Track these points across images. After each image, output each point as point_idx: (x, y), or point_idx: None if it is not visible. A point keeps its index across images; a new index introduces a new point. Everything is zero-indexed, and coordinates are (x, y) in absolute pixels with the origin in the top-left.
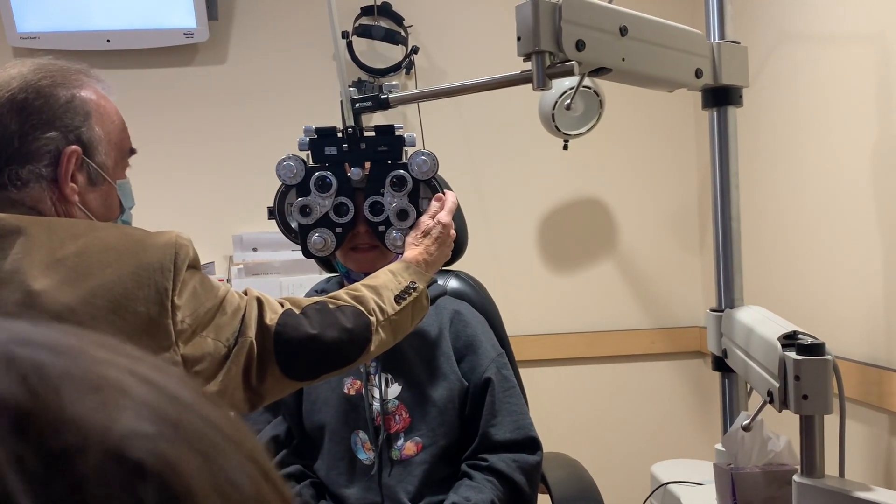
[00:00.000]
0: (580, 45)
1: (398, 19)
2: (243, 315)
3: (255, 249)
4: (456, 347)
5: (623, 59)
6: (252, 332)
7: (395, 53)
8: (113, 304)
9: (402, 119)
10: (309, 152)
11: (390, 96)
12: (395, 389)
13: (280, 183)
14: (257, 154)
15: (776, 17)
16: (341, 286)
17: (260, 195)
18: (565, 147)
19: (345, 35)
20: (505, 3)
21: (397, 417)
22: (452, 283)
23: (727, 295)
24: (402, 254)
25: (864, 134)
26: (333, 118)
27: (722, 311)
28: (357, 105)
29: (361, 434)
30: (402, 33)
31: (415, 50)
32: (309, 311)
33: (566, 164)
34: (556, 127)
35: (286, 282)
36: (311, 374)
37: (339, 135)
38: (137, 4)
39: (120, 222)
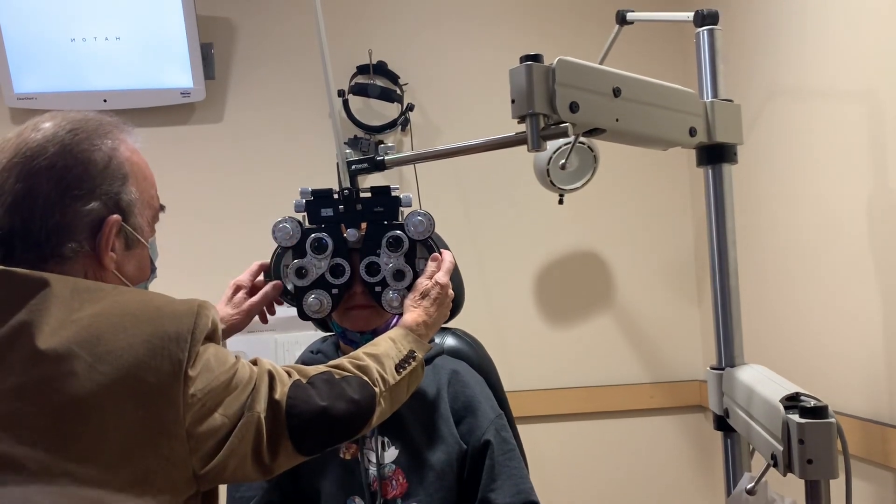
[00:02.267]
0: (574, 107)
1: (394, 77)
2: (252, 389)
3: None
4: (454, 409)
5: (617, 120)
6: (261, 407)
7: (390, 111)
8: (121, 372)
9: (397, 175)
10: (305, 214)
11: (386, 158)
12: (391, 453)
13: (276, 244)
14: (253, 211)
15: (768, 73)
16: (337, 346)
17: (255, 252)
18: (560, 202)
19: (341, 93)
20: (499, 61)
21: (394, 482)
22: (449, 342)
23: (727, 352)
24: (399, 314)
25: (859, 190)
26: (330, 175)
27: (722, 369)
28: (353, 167)
29: (358, 500)
30: (398, 91)
31: (410, 107)
32: (316, 381)
33: (562, 217)
34: (551, 182)
35: (282, 339)
36: (320, 447)
37: (335, 196)
38: (134, 65)
39: (151, 280)
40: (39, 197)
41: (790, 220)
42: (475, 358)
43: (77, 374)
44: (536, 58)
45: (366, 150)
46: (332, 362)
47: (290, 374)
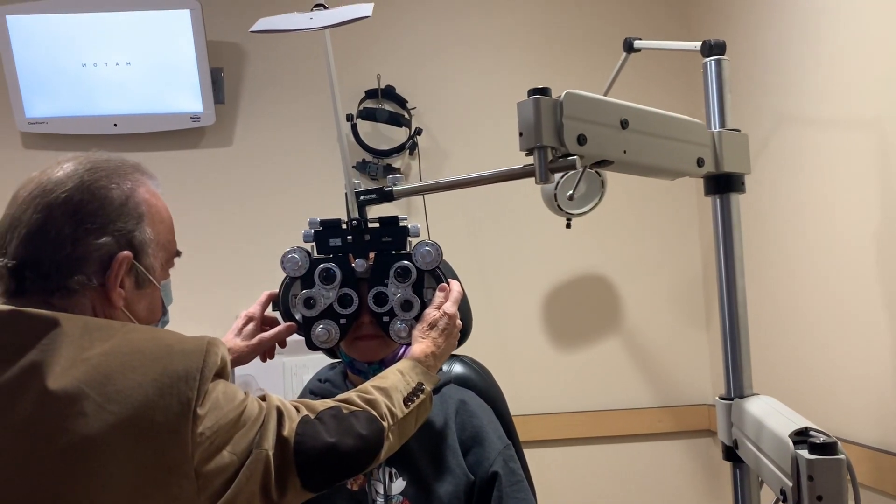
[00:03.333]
0: (582, 140)
1: (402, 101)
2: (261, 425)
3: None
4: (461, 439)
5: (624, 152)
6: (269, 444)
7: (398, 134)
8: (130, 412)
9: (405, 200)
10: (313, 244)
11: (394, 189)
12: (399, 484)
13: (285, 274)
14: (261, 234)
15: (774, 100)
16: (345, 374)
17: (263, 275)
18: (568, 226)
19: (349, 118)
20: (507, 86)
21: None
22: (457, 369)
23: (736, 382)
24: (407, 344)
25: (867, 218)
26: (338, 199)
27: (731, 399)
28: (361, 197)
29: None
30: (406, 115)
31: (418, 131)
32: (325, 416)
33: (569, 241)
34: (558, 207)
35: (289, 362)
36: (328, 483)
37: (344, 226)
38: (144, 89)
39: (161, 323)
40: (52, 229)
41: (798, 248)
42: (483, 386)
43: (86, 413)
44: (544, 91)
45: (374, 174)
46: (340, 396)
47: (298, 410)
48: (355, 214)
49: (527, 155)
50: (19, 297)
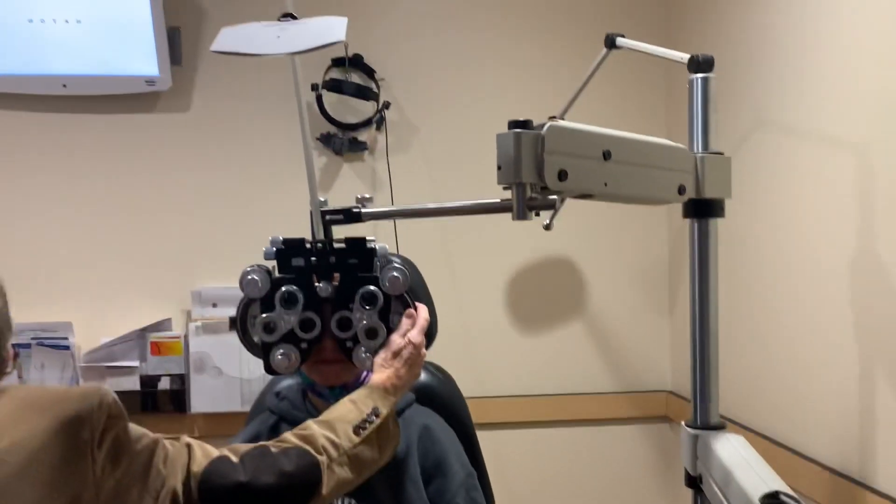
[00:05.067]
0: (563, 175)
1: (370, 71)
2: (168, 462)
3: (214, 305)
4: (424, 467)
5: (605, 184)
6: (176, 480)
7: (366, 107)
8: (27, 458)
9: (371, 180)
10: (275, 263)
11: (363, 211)
12: None
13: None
14: (220, 206)
15: (754, 113)
16: (304, 394)
17: (221, 249)
18: (547, 227)
19: (314, 87)
20: (481, 60)
21: None
22: (420, 377)
23: (703, 412)
24: (370, 371)
25: (844, 245)
26: (300, 172)
27: (698, 427)
28: (327, 217)
29: None
30: (374, 87)
31: (386, 105)
32: (246, 457)
33: (534, 222)
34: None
35: None
36: None
37: (308, 246)
38: (96, 49)
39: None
40: None
41: (773, 267)
42: (445, 395)
43: None
44: (526, 124)
45: (338, 148)
46: (279, 437)
47: (221, 452)
48: (320, 234)
49: (504, 189)
50: None
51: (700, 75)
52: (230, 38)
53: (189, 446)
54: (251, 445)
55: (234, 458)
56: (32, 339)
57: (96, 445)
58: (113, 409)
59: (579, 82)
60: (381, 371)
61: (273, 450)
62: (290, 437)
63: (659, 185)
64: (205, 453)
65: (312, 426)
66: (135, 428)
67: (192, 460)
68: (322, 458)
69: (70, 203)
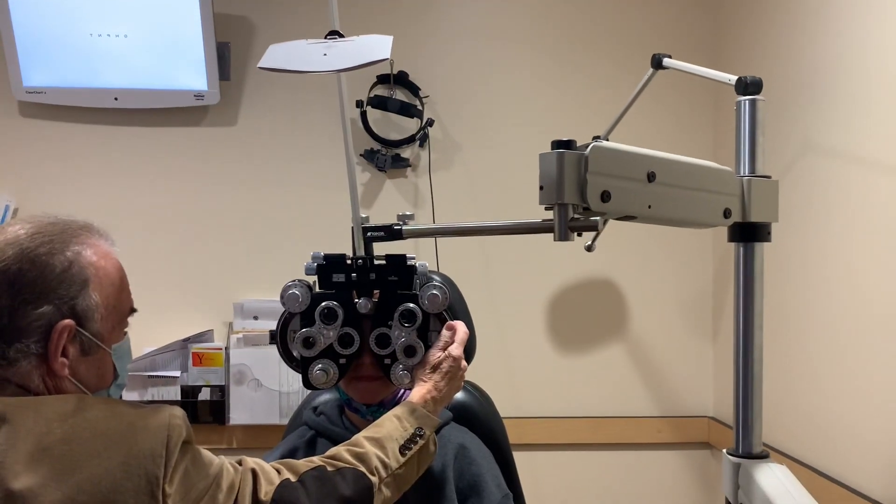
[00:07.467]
0: (605, 197)
1: (414, 89)
2: (237, 492)
3: (255, 318)
4: (459, 487)
5: (649, 206)
6: None
7: (409, 123)
8: (99, 499)
9: (412, 191)
10: (316, 278)
11: (404, 229)
12: None
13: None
14: (263, 219)
15: (803, 137)
16: (341, 410)
17: (264, 262)
18: (589, 249)
19: (359, 104)
20: (523, 82)
21: None
22: (457, 395)
23: (745, 440)
24: (409, 388)
25: (894, 270)
26: (341, 188)
27: (740, 455)
28: (369, 234)
29: None
30: (418, 105)
31: (430, 122)
32: (307, 479)
33: (577, 244)
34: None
35: None
36: None
37: (349, 262)
38: (147, 64)
39: (114, 387)
40: None
41: (819, 296)
42: (483, 416)
43: None
44: (569, 144)
45: (381, 164)
46: (329, 452)
47: (279, 472)
48: (361, 251)
49: (546, 210)
50: None
51: (748, 97)
52: (278, 54)
53: (254, 472)
54: (307, 463)
55: (293, 478)
56: None
57: (167, 482)
58: (184, 437)
59: (624, 103)
60: (421, 385)
61: (329, 469)
62: (343, 453)
63: (704, 208)
64: (267, 479)
65: (365, 444)
66: (202, 455)
67: (258, 488)
68: (374, 480)
69: (117, 213)
